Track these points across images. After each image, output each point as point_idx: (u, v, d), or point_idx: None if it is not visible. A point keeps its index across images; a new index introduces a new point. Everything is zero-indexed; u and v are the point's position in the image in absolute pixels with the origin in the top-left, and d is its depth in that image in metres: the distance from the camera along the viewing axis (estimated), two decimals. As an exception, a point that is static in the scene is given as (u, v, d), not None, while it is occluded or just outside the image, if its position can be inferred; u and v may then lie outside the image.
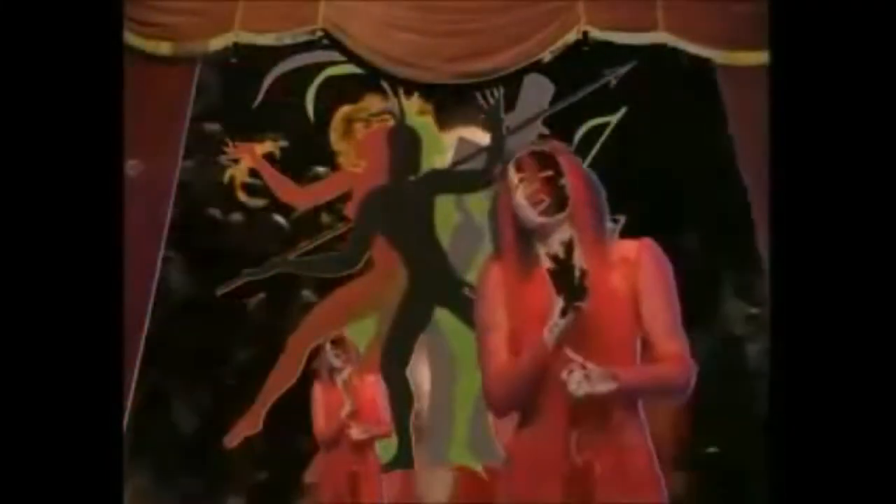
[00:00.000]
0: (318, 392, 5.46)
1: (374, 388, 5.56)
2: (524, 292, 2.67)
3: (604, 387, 2.50)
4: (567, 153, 2.80)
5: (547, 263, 2.65)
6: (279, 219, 6.89)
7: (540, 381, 2.60)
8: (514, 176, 2.73)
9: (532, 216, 2.68)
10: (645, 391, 2.60)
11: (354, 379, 5.45)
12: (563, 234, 2.67)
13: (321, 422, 5.40)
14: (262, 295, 6.79)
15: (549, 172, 2.71)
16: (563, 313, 2.54)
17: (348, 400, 5.34)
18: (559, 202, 2.69)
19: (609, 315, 2.61)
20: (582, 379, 2.49)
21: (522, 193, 2.70)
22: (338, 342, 5.51)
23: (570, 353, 2.52)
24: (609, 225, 2.83)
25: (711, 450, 6.55)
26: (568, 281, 2.57)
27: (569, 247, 2.58)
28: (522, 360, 2.63)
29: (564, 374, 2.50)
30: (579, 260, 2.58)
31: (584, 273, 2.52)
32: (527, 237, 2.71)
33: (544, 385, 2.61)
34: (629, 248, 2.70)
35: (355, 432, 5.31)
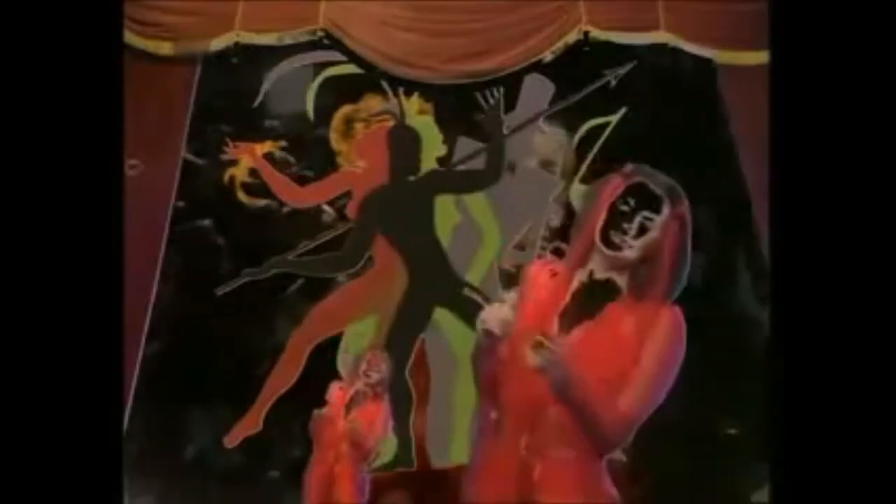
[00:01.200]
0: (330, 390, 5.52)
1: (378, 410, 5.57)
2: (548, 288, 2.66)
3: (543, 359, 2.49)
4: (679, 218, 2.70)
5: (582, 277, 2.64)
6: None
7: (499, 384, 2.62)
8: (616, 194, 2.64)
9: (597, 237, 2.62)
10: (575, 405, 2.57)
11: (368, 392, 5.48)
12: (612, 273, 2.62)
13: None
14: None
15: (648, 221, 2.63)
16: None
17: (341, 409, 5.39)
18: (632, 246, 2.62)
19: (603, 353, 2.60)
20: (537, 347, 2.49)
21: (611, 215, 2.63)
22: (376, 361, 5.53)
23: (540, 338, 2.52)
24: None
25: (731, 431, 6.57)
26: (583, 303, 2.57)
27: (607, 286, 2.58)
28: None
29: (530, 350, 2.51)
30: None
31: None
32: (589, 248, 2.67)
33: (502, 389, 2.62)
34: (657, 310, 2.65)
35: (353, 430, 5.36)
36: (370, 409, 5.49)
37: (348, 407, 5.46)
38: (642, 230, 2.61)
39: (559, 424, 2.58)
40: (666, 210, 2.64)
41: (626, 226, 2.61)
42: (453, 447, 6.55)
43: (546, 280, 2.68)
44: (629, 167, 2.75)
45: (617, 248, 2.61)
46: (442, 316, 6.61)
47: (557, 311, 2.62)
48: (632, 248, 2.60)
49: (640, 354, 2.58)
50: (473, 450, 2.81)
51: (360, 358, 5.60)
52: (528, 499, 2.58)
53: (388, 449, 6.16)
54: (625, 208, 2.62)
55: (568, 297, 2.64)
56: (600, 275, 2.63)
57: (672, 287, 2.65)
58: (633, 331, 2.60)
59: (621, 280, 2.63)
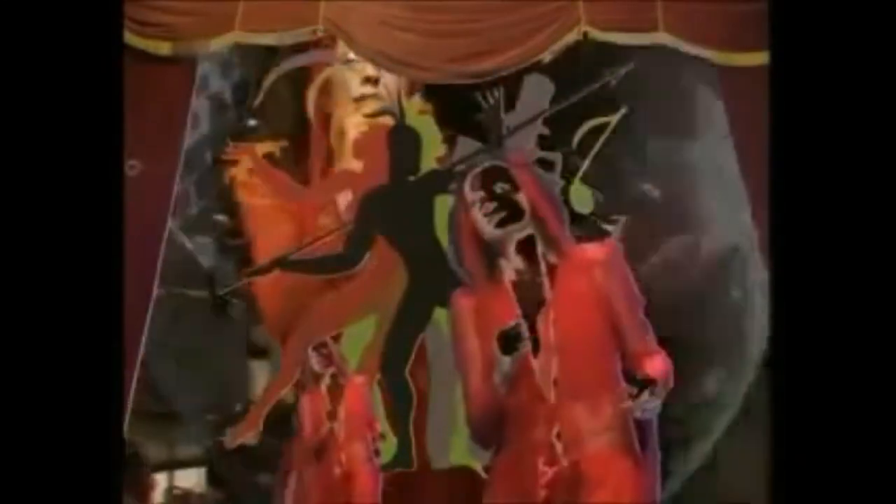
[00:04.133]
0: (304, 401, 5.51)
1: (362, 389, 5.58)
2: (492, 312, 2.70)
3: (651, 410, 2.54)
4: (522, 166, 2.84)
5: (510, 275, 2.69)
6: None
7: (520, 393, 2.62)
8: (469, 193, 2.77)
9: (489, 229, 2.71)
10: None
11: (340, 381, 5.50)
12: (526, 234, 2.70)
13: (308, 430, 5.44)
14: None
15: (505, 187, 2.74)
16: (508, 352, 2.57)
17: (329, 404, 5.40)
18: (515, 214, 2.72)
19: (580, 318, 2.63)
20: (649, 398, 2.52)
21: (479, 209, 2.73)
22: (318, 347, 5.55)
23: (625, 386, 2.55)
24: (609, 227, 2.85)
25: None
26: (529, 292, 2.60)
27: (528, 251, 2.61)
28: (484, 407, 2.66)
29: (628, 403, 2.53)
30: (541, 264, 2.61)
31: (518, 328, 2.53)
32: (489, 252, 2.75)
33: (527, 394, 2.62)
34: (594, 250, 2.73)
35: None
36: (352, 396, 5.50)
37: (334, 407, 5.47)
38: (508, 195, 2.70)
39: (592, 412, 2.60)
40: (516, 170, 2.75)
41: (491, 206, 2.70)
42: (453, 447, 6.54)
43: (478, 305, 2.73)
44: (453, 186, 2.92)
45: (506, 222, 2.70)
46: (442, 316, 6.60)
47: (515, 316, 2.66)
48: (516, 211, 2.69)
49: (614, 300, 2.64)
50: (497, 455, 2.82)
51: (307, 359, 5.60)
52: (573, 499, 2.60)
53: (387, 449, 6.16)
54: (480, 199, 2.72)
55: (513, 301, 2.68)
56: (516, 259, 2.68)
57: (558, 226, 2.72)
58: (589, 281, 2.65)
59: (541, 242, 2.69)
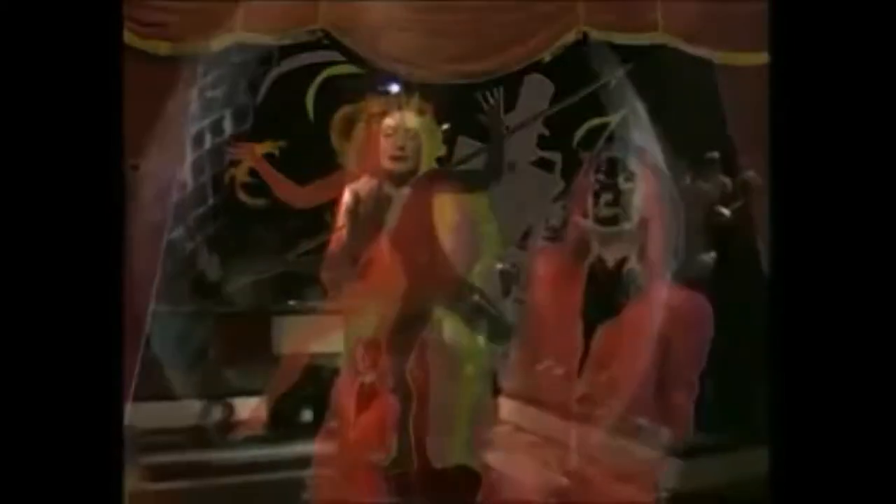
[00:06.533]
0: (339, 385, 5.57)
1: (390, 408, 5.63)
2: (562, 289, 2.68)
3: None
4: (652, 166, 2.77)
5: (593, 258, 2.67)
6: None
7: (541, 392, 2.62)
8: (592, 174, 2.73)
9: (591, 221, 2.68)
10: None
11: (376, 387, 5.55)
12: (623, 251, 2.66)
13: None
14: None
15: (628, 185, 2.70)
16: None
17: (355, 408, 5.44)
18: (624, 214, 2.68)
19: (631, 346, 2.62)
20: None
21: (592, 194, 2.70)
22: (369, 346, 5.59)
23: (641, 421, 2.54)
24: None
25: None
26: (601, 296, 2.58)
27: (619, 267, 2.59)
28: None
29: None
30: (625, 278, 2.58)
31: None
32: (587, 232, 2.72)
33: (543, 393, 2.62)
34: (678, 295, 2.69)
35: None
36: (378, 407, 5.54)
37: (358, 407, 5.51)
38: (626, 195, 2.68)
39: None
40: (639, 167, 2.73)
41: (606, 196, 2.68)
42: (453, 447, 6.54)
43: (554, 273, 2.71)
44: (595, 153, 2.86)
45: (612, 221, 2.67)
46: (442, 316, 6.60)
47: (578, 307, 2.64)
48: (625, 214, 2.67)
49: (677, 346, 2.62)
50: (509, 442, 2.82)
51: (354, 352, 5.64)
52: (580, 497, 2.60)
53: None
54: (601, 181, 2.70)
55: (582, 291, 2.66)
56: (611, 258, 2.66)
57: (667, 238, 2.69)
58: (658, 323, 2.63)
59: (635, 262, 2.67)
